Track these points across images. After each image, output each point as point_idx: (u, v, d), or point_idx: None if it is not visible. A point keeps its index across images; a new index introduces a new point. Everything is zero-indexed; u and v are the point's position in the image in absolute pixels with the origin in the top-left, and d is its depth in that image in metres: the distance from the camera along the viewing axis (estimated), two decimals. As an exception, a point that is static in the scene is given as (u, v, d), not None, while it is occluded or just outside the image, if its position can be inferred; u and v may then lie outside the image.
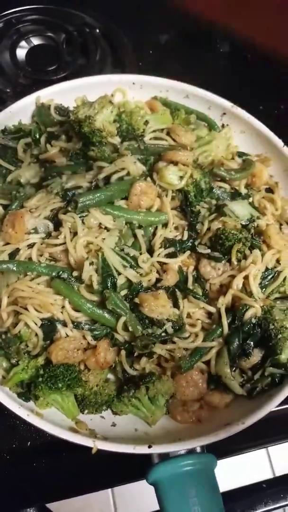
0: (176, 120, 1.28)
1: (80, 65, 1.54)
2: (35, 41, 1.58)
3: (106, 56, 1.57)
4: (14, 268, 0.98)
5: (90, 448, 0.91)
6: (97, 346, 0.99)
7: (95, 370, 1.01)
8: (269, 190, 1.27)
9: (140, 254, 1.08)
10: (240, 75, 1.62)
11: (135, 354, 1.00)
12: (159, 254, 1.10)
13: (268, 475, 1.31)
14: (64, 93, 1.27)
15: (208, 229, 1.11)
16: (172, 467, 0.91)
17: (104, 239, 1.04)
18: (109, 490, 1.25)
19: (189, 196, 1.14)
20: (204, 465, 0.92)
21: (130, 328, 0.98)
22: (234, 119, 1.31)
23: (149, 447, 0.90)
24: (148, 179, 1.15)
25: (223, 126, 1.31)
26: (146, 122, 1.22)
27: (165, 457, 0.94)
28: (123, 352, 1.01)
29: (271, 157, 1.28)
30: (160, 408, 1.00)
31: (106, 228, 1.07)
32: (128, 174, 1.11)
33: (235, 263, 1.08)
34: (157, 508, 0.99)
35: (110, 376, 1.07)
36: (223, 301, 1.04)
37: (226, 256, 1.08)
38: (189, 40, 1.69)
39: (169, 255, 1.11)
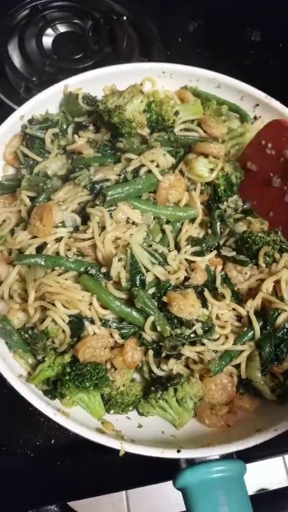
0: (207, 111, 1.23)
1: (106, 54, 1.50)
2: (61, 28, 1.53)
3: (134, 44, 1.52)
4: (42, 263, 0.95)
5: (113, 448, 0.89)
6: (125, 345, 0.96)
7: (122, 369, 0.98)
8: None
9: (169, 250, 1.05)
10: (273, 65, 1.55)
11: (163, 355, 0.97)
12: (186, 251, 1.06)
13: (284, 483, 1.27)
14: (92, 82, 1.22)
15: (232, 230, 1.08)
16: (201, 473, 0.88)
17: (132, 234, 1.00)
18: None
19: (219, 190, 1.09)
20: (234, 472, 0.89)
21: (158, 328, 0.95)
22: (267, 111, 1.24)
23: (178, 451, 0.87)
24: (177, 171, 1.11)
25: (255, 118, 1.25)
26: (177, 113, 1.17)
27: (192, 461, 0.91)
28: (150, 352, 0.98)
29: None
30: (188, 411, 0.97)
31: (133, 223, 1.03)
32: (157, 166, 1.07)
33: (263, 265, 1.04)
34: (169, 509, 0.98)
35: (136, 375, 1.04)
36: (252, 304, 1.00)
37: (253, 260, 1.04)
38: (218, 28, 1.62)
39: (196, 253, 1.07)
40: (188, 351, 0.95)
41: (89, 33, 1.54)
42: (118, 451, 0.88)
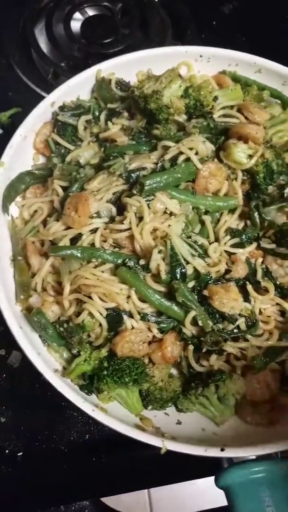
0: (246, 96, 1.17)
1: (137, 38, 1.45)
2: (90, 11, 1.49)
3: (166, 27, 1.47)
4: (79, 255, 0.92)
5: (150, 445, 0.85)
6: (164, 340, 0.93)
7: (160, 364, 0.95)
8: None
9: (209, 242, 1.00)
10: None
11: (203, 350, 0.93)
12: (225, 243, 1.02)
13: None
14: (125, 67, 1.18)
15: (271, 221, 1.02)
16: (245, 472, 0.85)
17: (170, 225, 0.96)
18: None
19: (258, 177, 1.03)
20: (280, 472, 0.85)
21: (200, 323, 0.91)
22: (312, 97, 1.19)
23: (222, 450, 0.84)
24: (216, 159, 1.06)
25: (298, 104, 1.20)
26: (215, 98, 1.11)
27: (230, 460, 0.88)
28: (190, 347, 0.94)
29: None
30: (229, 408, 0.93)
31: (171, 213, 0.99)
32: (196, 154, 1.02)
33: None
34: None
35: (173, 371, 1.00)
36: None
37: None
38: (254, 10, 1.55)
39: (236, 245, 1.02)
40: (231, 347, 0.92)
41: (119, 16, 1.49)
42: (154, 447, 0.85)
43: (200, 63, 1.21)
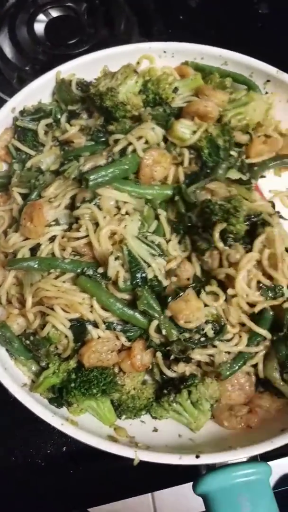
0: (209, 85, 1.12)
1: (103, 37, 1.41)
2: (54, 13, 1.45)
3: (132, 25, 1.43)
4: (36, 266, 0.89)
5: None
6: (132, 348, 0.90)
7: (131, 372, 0.92)
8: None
9: (166, 240, 0.96)
10: (283, 38, 1.43)
11: (171, 358, 0.89)
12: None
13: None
14: (88, 67, 1.15)
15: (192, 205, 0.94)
16: (223, 478, 0.81)
17: (126, 225, 0.91)
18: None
19: (203, 153, 0.98)
20: (259, 475, 0.82)
21: (163, 332, 0.87)
22: (279, 87, 1.15)
23: (197, 457, 0.80)
24: (162, 144, 1.02)
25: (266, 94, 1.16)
26: (176, 89, 1.07)
27: (213, 464, 0.84)
28: (159, 354, 0.91)
29: None
30: (204, 413, 0.90)
31: (127, 212, 0.95)
32: (146, 143, 0.99)
33: (226, 248, 0.88)
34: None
35: (147, 377, 0.97)
36: (238, 313, 0.89)
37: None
38: (222, 2, 1.51)
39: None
40: (199, 355, 0.87)
41: (84, 16, 1.45)
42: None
43: (165, 58, 1.18)
